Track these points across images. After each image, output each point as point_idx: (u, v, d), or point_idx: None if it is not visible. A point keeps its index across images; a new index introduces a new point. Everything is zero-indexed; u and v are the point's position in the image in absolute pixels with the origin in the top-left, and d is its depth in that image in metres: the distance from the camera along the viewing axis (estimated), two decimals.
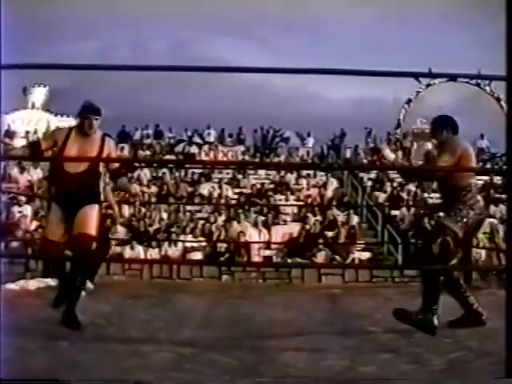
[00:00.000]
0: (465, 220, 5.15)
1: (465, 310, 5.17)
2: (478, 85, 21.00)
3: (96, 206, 5.26)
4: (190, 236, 14.21)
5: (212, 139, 23.64)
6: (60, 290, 5.45)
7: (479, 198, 5.28)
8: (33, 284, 7.23)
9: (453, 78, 19.55)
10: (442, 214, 5.40)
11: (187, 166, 18.23)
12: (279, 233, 14.54)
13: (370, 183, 18.55)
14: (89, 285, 7.44)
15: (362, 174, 19.13)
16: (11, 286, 7.61)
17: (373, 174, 18.85)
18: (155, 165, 17.61)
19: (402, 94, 24.77)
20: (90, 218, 5.17)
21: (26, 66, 3.72)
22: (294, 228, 14.69)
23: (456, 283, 5.29)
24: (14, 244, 13.18)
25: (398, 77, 3.85)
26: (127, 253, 13.32)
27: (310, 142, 24.04)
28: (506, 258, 3.47)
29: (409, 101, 24.77)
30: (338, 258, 13.39)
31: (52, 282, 7.79)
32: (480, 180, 18.54)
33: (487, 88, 21.10)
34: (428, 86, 24.04)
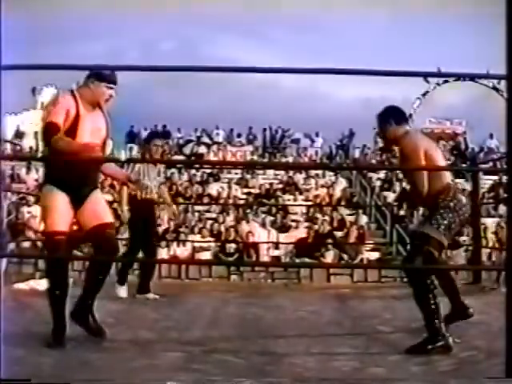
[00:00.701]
0: (448, 226, 4.72)
1: (453, 305, 5.10)
2: (495, 88, 20.93)
3: (99, 191, 4.74)
4: (198, 236, 14.23)
5: (221, 139, 23.66)
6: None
7: (461, 196, 4.85)
8: (42, 284, 7.23)
9: (461, 77, 19.48)
10: (421, 223, 5.19)
11: (196, 166, 18.25)
12: (287, 239, 14.51)
13: (378, 183, 18.53)
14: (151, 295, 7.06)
15: (370, 174, 19.10)
16: (21, 285, 7.63)
17: (382, 174, 18.82)
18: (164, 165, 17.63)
19: (412, 94, 24.71)
20: (105, 205, 4.66)
21: (27, 67, 3.68)
22: (303, 233, 14.68)
23: (450, 280, 5.19)
24: (25, 244, 13.24)
25: (405, 76, 3.84)
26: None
27: (319, 142, 24.02)
28: (506, 258, 3.47)
29: (417, 100, 24.71)
30: (346, 257, 13.39)
31: None
32: (489, 180, 18.54)
33: (497, 87, 21.02)
34: (437, 85, 23.98)
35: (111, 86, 4.51)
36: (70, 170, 4.37)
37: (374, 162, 20.79)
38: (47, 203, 4.44)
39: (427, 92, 23.98)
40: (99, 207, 4.56)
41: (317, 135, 24.16)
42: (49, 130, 4.35)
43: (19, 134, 22.17)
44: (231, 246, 13.73)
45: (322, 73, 4.08)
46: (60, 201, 4.42)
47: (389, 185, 17.94)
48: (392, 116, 4.89)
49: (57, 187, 4.42)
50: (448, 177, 4.82)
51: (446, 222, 4.68)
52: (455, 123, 24.71)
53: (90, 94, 4.48)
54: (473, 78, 18.40)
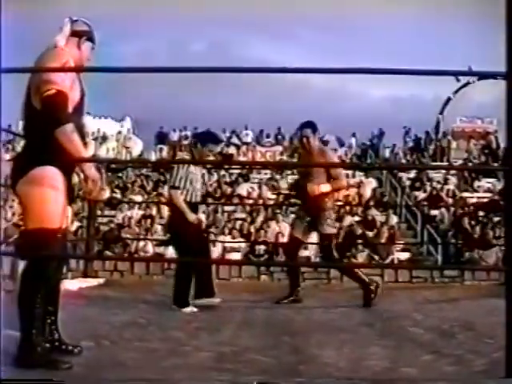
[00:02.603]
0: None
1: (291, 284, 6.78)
2: None
3: None
4: (228, 236, 14.25)
5: (250, 140, 23.68)
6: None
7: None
8: (74, 284, 7.31)
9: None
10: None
11: (225, 166, 18.27)
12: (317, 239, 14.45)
13: (408, 183, 18.42)
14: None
15: (400, 174, 18.99)
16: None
17: (412, 174, 18.71)
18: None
19: (443, 93, 24.55)
20: None
21: (28, 70, 3.61)
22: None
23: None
24: None
25: (433, 75, 3.82)
26: (169, 253, 13.43)
27: (353, 142, 23.84)
28: (506, 258, 3.46)
29: (448, 100, 24.54)
30: (377, 258, 13.32)
31: (94, 281, 7.89)
32: None
33: None
34: (467, 84, 23.78)
35: (93, 44, 3.87)
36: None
37: (403, 161, 20.67)
38: (47, 189, 3.47)
39: (458, 91, 23.80)
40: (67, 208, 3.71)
41: (353, 135, 23.96)
42: (57, 106, 3.40)
43: None
44: (261, 247, 13.74)
45: (352, 73, 4.07)
46: (62, 189, 3.54)
47: (419, 184, 17.82)
48: (315, 127, 6.86)
49: (60, 170, 3.54)
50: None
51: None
52: (486, 122, 24.49)
53: (79, 59, 3.76)
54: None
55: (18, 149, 19.94)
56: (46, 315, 3.62)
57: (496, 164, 19.86)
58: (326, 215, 6.73)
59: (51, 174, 3.49)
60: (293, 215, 15.10)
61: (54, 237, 3.48)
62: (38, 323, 3.47)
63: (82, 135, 3.63)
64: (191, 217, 6.29)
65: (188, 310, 6.14)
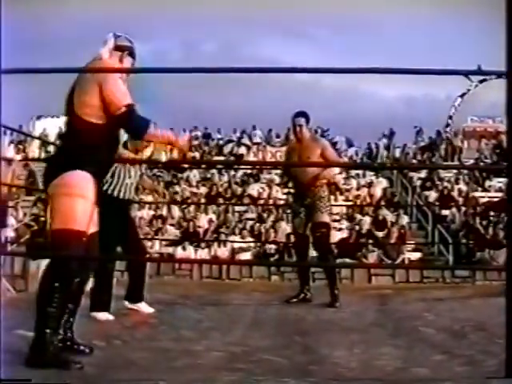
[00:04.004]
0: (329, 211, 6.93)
1: (331, 292, 6.65)
2: None
3: None
4: (238, 236, 14.25)
5: (260, 140, 23.63)
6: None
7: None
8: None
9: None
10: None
11: (235, 166, 18.26)
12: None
13: (419, 182, 18.34)
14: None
15: (411, 174, 18.91)
16: None
17: (423, 174, 18.63)
18: (204, 166, 17.75)
19: (454, 92, 24.43)
20: None
21: (28, 71, 3.63)
22: (344, 234, 14.57)
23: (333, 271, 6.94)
24: None
25: (444, 75, 3.80)
26: (179, 253, 13.45)
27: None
28: (506, 258, 3.45)
29: (459, 99, 24.43)
30: (387, 258, 13.29)
31: None
32: None
33: None
34: (479, 83, 23.67)
35: (134, 57, 4.04)
36: (107, 159, 3.74)
37: (414, 161, 20.59)
38: (77, 193, 3.54)
39: (469, 90, 23.70)
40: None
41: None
42: (136, 117, 3.66)
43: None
44: (272, 247, 13.73)
45: (363, 72, 4.06)
46: (91, 194, 3.62)
47: (430, 184, 17.76)
48: (308, 117, 6.87)
49: (91, 176, 3.63)
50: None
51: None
52: (497, 121, 24.35)
53: (120, 74, 3.82)
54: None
55: (28, 149, 20.03)
56: (64, 314, 3.64)
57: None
58: (320, 203, 6.76)
59: (82, 178, 3.57)
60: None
61: (77, 239, 3.52)
62: (52, 323, 3.48)
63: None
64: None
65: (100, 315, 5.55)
